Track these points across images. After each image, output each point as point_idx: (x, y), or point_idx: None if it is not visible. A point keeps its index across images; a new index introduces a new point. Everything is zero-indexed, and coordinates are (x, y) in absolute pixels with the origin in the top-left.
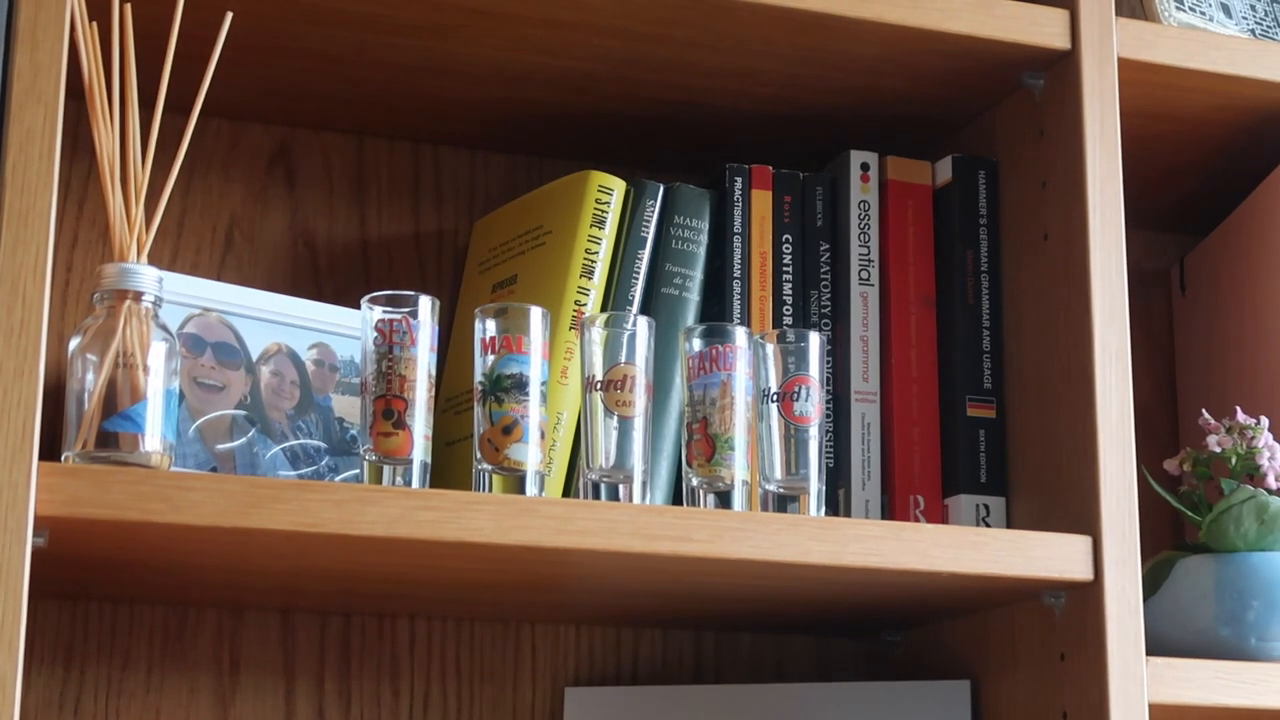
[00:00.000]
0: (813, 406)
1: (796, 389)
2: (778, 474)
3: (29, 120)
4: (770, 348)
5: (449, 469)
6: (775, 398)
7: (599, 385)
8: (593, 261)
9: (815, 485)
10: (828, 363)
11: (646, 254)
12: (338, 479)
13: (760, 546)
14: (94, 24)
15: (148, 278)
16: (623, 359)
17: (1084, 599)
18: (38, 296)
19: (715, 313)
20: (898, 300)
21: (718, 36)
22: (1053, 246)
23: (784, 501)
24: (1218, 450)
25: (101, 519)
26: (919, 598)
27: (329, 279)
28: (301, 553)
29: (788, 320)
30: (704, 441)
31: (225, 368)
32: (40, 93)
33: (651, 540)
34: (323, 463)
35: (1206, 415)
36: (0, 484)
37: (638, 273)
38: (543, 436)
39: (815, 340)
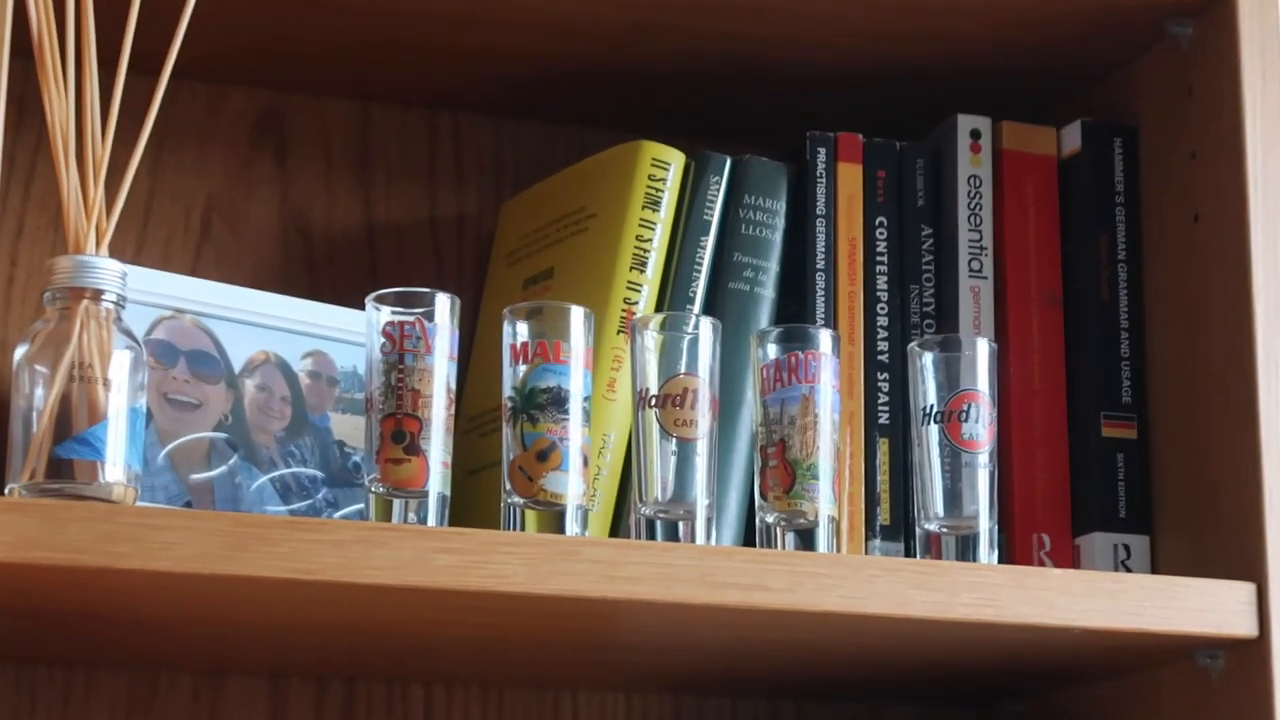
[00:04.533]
0: (983, 428)
1: (965, 408)
2: (939, 510)
3: None
4: (929, 357)
5: (472, 503)
6: (938, 418)
7: (654, 401)
8: (645, 251)
9: (986, 523)
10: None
11: (710, 241)
12: (338, 515)
13: (851, 596)
14: None
15: (109, 273)
16: (682, 369)
17: (1247, 658)
18: None
19: (794, 312)
20: (1017, 297)
21: None
22: (1204, 230)
23: (945, 544)
24: None
25: (54, 564)
26: (1044, 658)
27: (327, 274)
28: (294, 605)
29: (881, 322)
30: (781, 469)
31: (202, 381)
32: None
33: (718, 589)
34: (319, 495)
35: None
36: None
37: (700, 264)
38: (586, 463)
39: (984, 349)
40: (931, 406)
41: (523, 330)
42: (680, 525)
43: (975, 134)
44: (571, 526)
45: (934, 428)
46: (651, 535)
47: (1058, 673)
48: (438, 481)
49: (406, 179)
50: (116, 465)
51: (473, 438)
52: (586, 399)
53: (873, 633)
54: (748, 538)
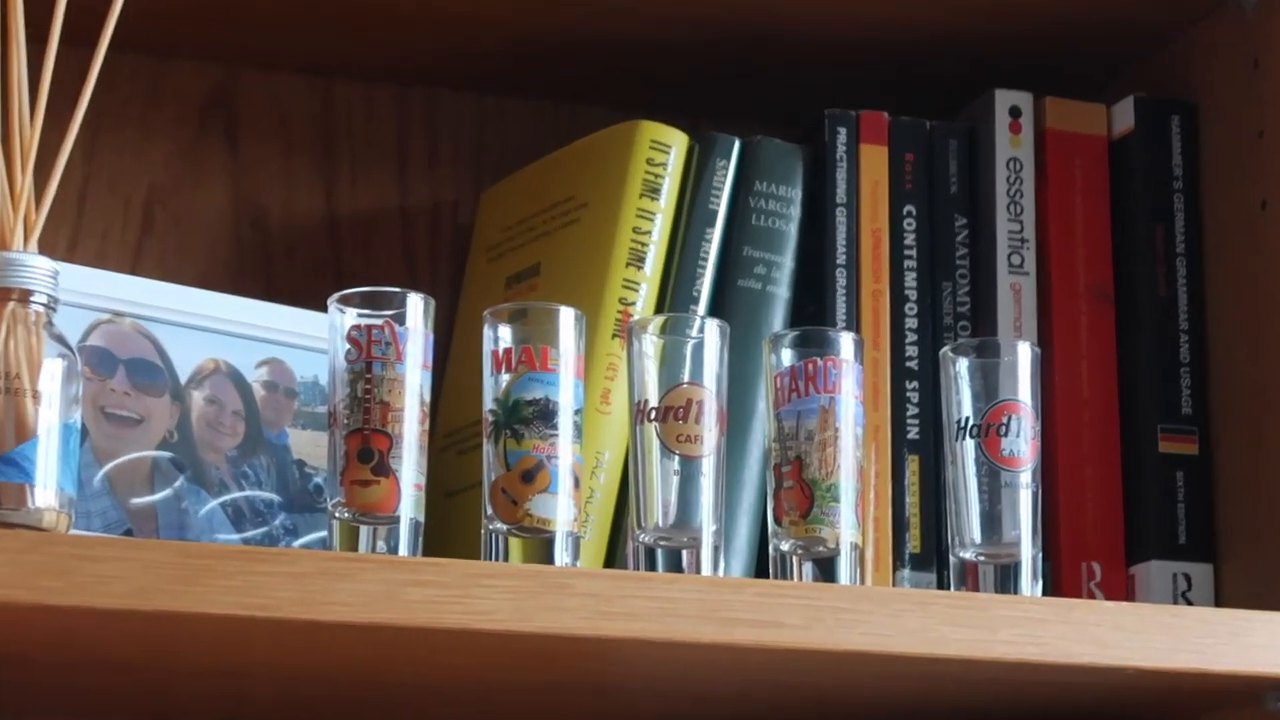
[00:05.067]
0: (1025, 444)
1: (1005, 420)
2: (976, 536)
3: None
4: (963, 364)
5: (449, 530)
6: (974, 432)
7: (653, 414)
8: (644, 245)
9: (1029, 551)
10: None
11: (717, 234)
12: (297, 544)
13: (876, 634)
14: None
15: (39, 271)
16: (685, 378)
17: None
18: None
19: (812, 313)
20: (1062, 295)
21: None
22: (1274, 219)
23: (983, 574)
24: None
25: None
26: (1094, 702)
27: (284, 271)
28: (249, 646)
29: (910, 324)
30: (797, 490)
31: (144, 393)
32: None
33: (726, 626)
34: (276, 522)
35: None
36: None
37: (705, 259)
38: (577, 485)
39: (1026, 354)
40: (967, 419)
41: (505, 335)
42: (684, 554)
43: (1015, 111)
44: (561, 556)
45: (970, 443)
46: (651, 566)
47: (1110, 718)
48: (410, 506)
49: (374, 165)
50: (47, 488)
51: (449, 456)
52: (578, 412)
53: (902, 675)
54: (760, 568)
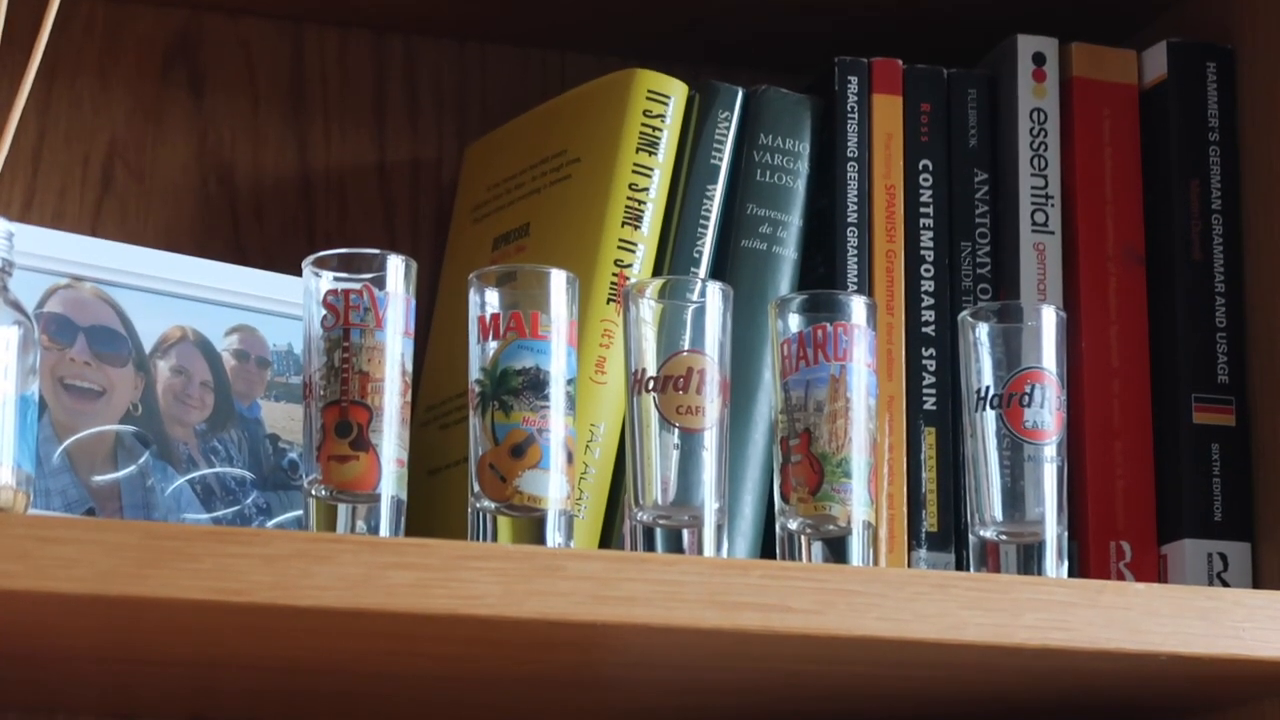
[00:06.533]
0: (1049, 415)
1: (1028, 390)
2: (997, 514)
3: None
4: (984, 329)
5: (434, 509)
6: (995, 402)
7: (651, 384)
8: (640, 203)
9: (1053, 530)
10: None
11: (719, 191)
12: (270, 524)
13: (891, 618)
14: None
15: None
16: (686, 345)
17: None
18: None
19: (822, 275)
20: (1090, 255)
21: None
22: None
23: (1004, 554)
24: None
25: None
26: (1124, 691)
27: (255, 232)
28: (220, 634)
29: (926, 287)
30: (806, 465)
31: (105, 364)
32: None
33: (731, 610)
34: (249, 500)
35: None
36: None
37: (706, 218)
38: (570, 460)
39: (1050, 318)
40: (987, 389)
41: (493, 299)
42: (685, 534)
43: (1039, 58)
44: (553, 536)
45: (990, 414)
46: (650, 546)
47: (1141, 708)
48: (391, 483)
49: (349, 117)
50: (3, 465)
51: (433, 430)
52: (570, 382)
53: (918, 662)
54: (766, 548)
